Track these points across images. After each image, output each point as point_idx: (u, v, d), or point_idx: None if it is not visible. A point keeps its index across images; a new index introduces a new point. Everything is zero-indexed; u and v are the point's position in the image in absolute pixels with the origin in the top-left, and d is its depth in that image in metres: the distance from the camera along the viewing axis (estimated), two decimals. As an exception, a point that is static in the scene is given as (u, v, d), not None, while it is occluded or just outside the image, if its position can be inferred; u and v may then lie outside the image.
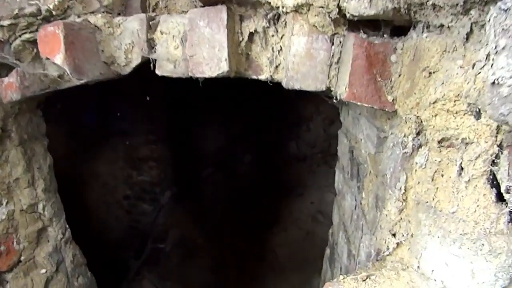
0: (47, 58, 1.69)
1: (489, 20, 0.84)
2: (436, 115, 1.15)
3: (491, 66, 0.81)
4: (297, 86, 1.58)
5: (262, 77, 1.72)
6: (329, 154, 7.74)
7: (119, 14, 1.86)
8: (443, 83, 1.11)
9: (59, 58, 1.63)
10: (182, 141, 8.69)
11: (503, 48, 0.76)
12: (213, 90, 8.40)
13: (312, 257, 6.00)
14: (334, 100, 1.59)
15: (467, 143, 1.04)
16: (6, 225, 2.24)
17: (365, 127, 1.79)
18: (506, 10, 0.76)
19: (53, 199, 2.56)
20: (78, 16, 1.77)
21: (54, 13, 1.72)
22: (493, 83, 0.79)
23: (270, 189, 7.35)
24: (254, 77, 1.75)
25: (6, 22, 1.76)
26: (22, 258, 2.35)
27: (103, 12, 1.80)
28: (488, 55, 0.85)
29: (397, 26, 1.39)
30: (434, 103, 1.14)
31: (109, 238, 6.08)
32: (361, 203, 1.84)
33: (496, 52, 0.79)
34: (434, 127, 1.16)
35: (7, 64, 1.92)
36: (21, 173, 2.30)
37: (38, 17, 1.75)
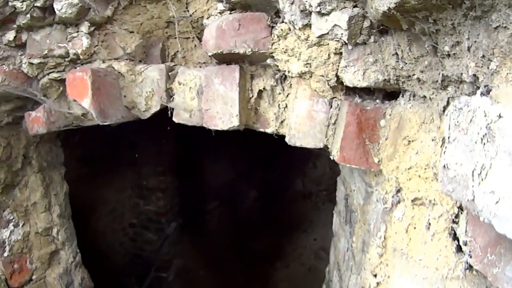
0: (75, 100, 1.86)
1: (446, 114, 1.00)
2: (410, 178, 1.33)
3: (444, 152, 0.98)
4: (298, 144, 1.78)
5: (269, 130, 1.90)
6: (334, 191, 7.80)
7: (140, 62, 2.03)
8: (417, 153, 1.29)
9: (86, 102, 1.80)
10: (189, 174, 8.79)
11: (454, 139, 0.93)
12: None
13: None
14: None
15: (433, 204, 1.20)
16: (21, 245, 2.40)
17: (357, 180, 1.93)
18: (459, 109, 0.91)
19: (67, 224, 2.72)
20: (103, 62, 1.94)
21: (81, 57, 1.89)
22: (444, 166, 0.96)
23: (274, 225, 7.38)
24: (262, 130, 1.93)
25: (35, 61, 1.93)
26: (33, 277, 2.49)
27: (126, 60, 1.96)
28: (443, 143, 1.02)
29: (389, 92, 1.56)
30: (409, 168, 1.32)
31: (113, 264, 6.10)
32: (351, 246, 1.98)
33: (449, 142, 0.95)
34: (408, 188, 1.33)
35: (32, 99, 2.08)
36: (39, 198, 2.46)
37: (66, 59, 1.92)
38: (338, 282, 2.36)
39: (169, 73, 1.93)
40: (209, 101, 1.82)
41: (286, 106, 1.81)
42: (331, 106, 1.65)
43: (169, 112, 2.02)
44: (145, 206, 6.33)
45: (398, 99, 1.50)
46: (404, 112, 1.40)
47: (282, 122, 1.85)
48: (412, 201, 1.30)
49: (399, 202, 1.38)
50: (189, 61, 2.03)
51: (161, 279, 6.53)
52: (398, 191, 1.38)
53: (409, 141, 1.34)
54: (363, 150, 1.55)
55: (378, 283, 1.50)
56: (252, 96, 1.85)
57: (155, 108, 2.01)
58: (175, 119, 2.01)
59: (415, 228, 1.30)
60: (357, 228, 1.91)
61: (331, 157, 1.68)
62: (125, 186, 6.26)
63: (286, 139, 1.82)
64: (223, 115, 1.81)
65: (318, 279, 6.09)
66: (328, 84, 1.57)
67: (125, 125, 5.30)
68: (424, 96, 1.30)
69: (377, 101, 1.58)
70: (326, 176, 8.11)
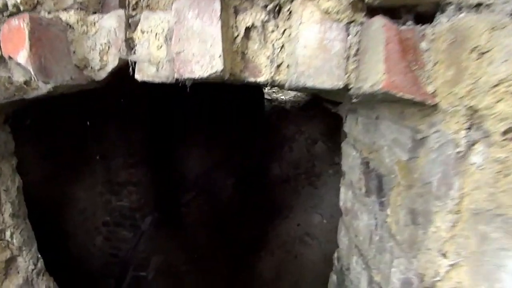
0: (10, 58, 1.47)
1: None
2: (499, 100, 0.94)
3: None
4: (309, 83, 1.37)
5: (261, 79, 1.52)
6: (314, 174, 7.59)
7: (94, 13, 1.64)
8: (506, 61, 0.91)
9: (22, 56, 1.40)
10: (162, 165, 8.49)
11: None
12: (194, 113, 8.35)
13: (302, 280, 5.80)
14: (338, 108, 1.39)
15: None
16: (-32, 255, 2.00)
17: (389, 131, 1.55)
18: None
19: (23, 225, 2.28)
20: (49, 13, 1.55)
21: (22, 8, 1.50)
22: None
23: (255, 213, 7.14)
24: (252, 79, 1.53)
25: (-35, 18, 1.55)
26: (-13, 292, 2.09)
27: (77, 9, 1.58)
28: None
29: (419, 14, 1.21)
30: (495, 86, 0.94)
31: (88, 267, 5.81)
32: (385, 222, 1.60)
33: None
34: (496, 115, 0.95)
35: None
36: (-18, 195, 2.06)
37: (4, 13, 1.54)
38: (364, 270, 1.93)
39: (130, 21, 1.55)
40: (182, 41, 1.41)
41: (283, 47, 1.43)
42: (349, 33, 1.29)
43: (130, 69, 1.61)
44: (118, 202, 5.99)
45: (435, 18, 1.16)
46: (460, 23, 1.03)
47: (278, 66, 1.47)
48: (503, 133, 0.93)
49: (476, 141, 1.01)
50: (155, 10, 1.64)
51: (140, 279, 6.20)
52: (473, 125, 1.01)
53: (481, 52, 0.96)
54: (412, 76, 1.15)
55: (452, 266, 1.13)
56: (238, 35, 1.45)
57: (112, 64, 1.59)
58: (138, 76, 1.58)
59: (507, 176, 0.95)
60: (394, 196, 1.51)
61: (364, 91, 1.27)
62: (95, 182, 5.91)
63: (288, 84, 1.45)
64: (201, 58, 1.40)
65: (306, 266, 5.88)
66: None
67: (90, 114, 5.00)
68: (479, 4, 0.97)
69: (408, 22, 1.22)
70: (303, 159, 7.91)
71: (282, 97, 10.90)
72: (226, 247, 6.60)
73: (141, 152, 5.99)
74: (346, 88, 1.36)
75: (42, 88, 1.57)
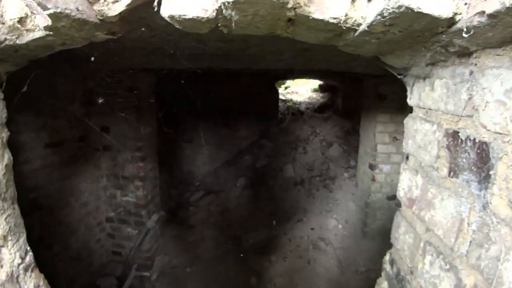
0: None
1: None
2: None
3: None
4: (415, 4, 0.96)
5: (331, 14, 1.12)
6: (328, 177, 7.26)
7: None
8: None
9: None
10: (171, 161, 8.18)
11: None
12: (207, 108, 8.05)
13: (315, 286, 5.44)
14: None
15: None
16: None
17: (498, 82, 1.14)
18: None
19: (10, 210, 1.91)
20: None
21: None
22: None
23: (266, 215, 6.82)
24: (319, 16, 1.13)
25: None
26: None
27: None
28: None
29: None
30: None
31: (89, 264, 5.47)
32: (489, 204, 1.19)
33: None
34: None
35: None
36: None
37: None
38: (446, 271, 1.46)
39: None
40: None
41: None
42: None
43: (155, 2, 1.20)
44: (123, 197, 5.66)
45: None
46: None
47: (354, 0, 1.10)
48: None
49: None
50: None
51: (143, 279, 5.85)
52: None
53: None
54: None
55: None
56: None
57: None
58: (164, 9, 1.17)
59: None
60: (504, 168, 1.12)
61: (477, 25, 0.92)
62: (99, 175, 5.59)
63: (371, 18, 1.08)
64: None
65: (319, 272, 5.50)
66: None
67: (95, 105, 4.66)
68: None
69: None
70: (318, 162, 7.59)
71: (297, 98, 10.65)
72: (235, 250, 6.27)
73: (149, 145, 5.67)
74: (451, 20, 0.98)
75: (40, 25, 1.22)
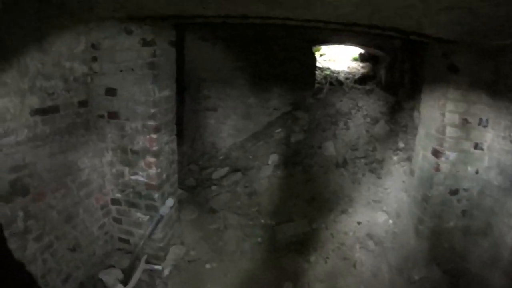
0: None
1: None
2: None
3: None
4: None
5: None
6: (375, 160, 6.22)
7: None
8: None
9: None
10: (192, 131, 7.37)
11: None
12: (234, 72, 7.12)
13: None
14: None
15: None
16: None
17: None
18: None
19: None
20: None
21: None
22: None
23: (302, 202, 5.85)
24: None
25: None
26: None
27: None
28: None
29: None
30: None
31: (90, 254, 4.64)
32: None
33: None
34: None
35: None
36: None
37: None
38: None
39: None
40: None
41: None
42: None
43: None
44: (132, 175, 4.75)
45: None
46: None
47: None
48: None
49: None
50: None
51: (153, 273, 4.97)
52: None
53: None
54: None
55: None
56: None
57: None
58: None
59: None
60: None
61: None
62: (104, 148, 4.70)
63: None
64: None
65: (367, 278, 4.54)
66: None
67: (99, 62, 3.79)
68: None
69: None
70: (362, 140, 6.57)
71: (334, 67, 9.66)
72: (265, 245, 5.31)
73: (166, 113, 4.75)
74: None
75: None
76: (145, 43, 4.20)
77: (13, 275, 3.43)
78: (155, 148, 4.53)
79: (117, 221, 5.05)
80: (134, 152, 4.62)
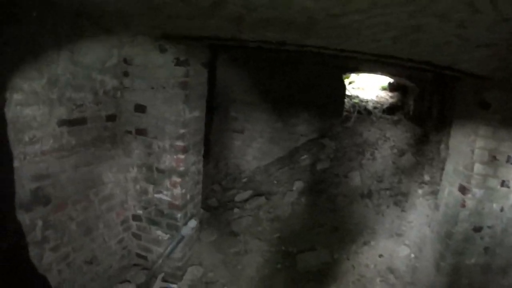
0: None
1: None
2: None
3: None
4: None
5: None
6: (400, 192, 6.10)
7: None
8: None
9: None
10: (218, 152, 7.35)
11: None
12: (262, 96, 7.10)
13: None
14: None
15: None
16: None
17: None
18: None
19: None
20: None
21: None
22: None
23: (326, 231, 5.75)
24: None
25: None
26: None
27: None
28: None
29: None
30: None
31: (106, 268, 4.60)
32: None
33: None
34: None
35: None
36: None
37: None
38: None
39: None
40: None
41: None
42: None
43: None
44: (156, 194, 4.71)
45: None
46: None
47: None
48: None
49: None
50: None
51: None
52: None
53: None
54: None
55: None
56: None
57: None
58: None
59: None
60: None
61: None
62: (129, 164, 4.68)
63: None
64: None
65: None
66: None
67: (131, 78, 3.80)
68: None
69: None
70: (388, 171, 6.45)
71: (363, 95, 9.58)
72: (286, 272, 5.19)
73: (195, 134, 4.73)
74: None
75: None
76: (178, 62, 4.17)
77: (28, 283, 3.41)
78: (181, 168, 4.50)
79: (137, 237, 5.01)
80: (160, 171, 4.58)
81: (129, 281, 4.80)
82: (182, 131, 4.39)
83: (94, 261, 4.34)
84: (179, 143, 4.41)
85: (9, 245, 3.14)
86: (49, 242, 3.60)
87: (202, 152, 5.08)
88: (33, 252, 3.40)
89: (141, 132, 4.52)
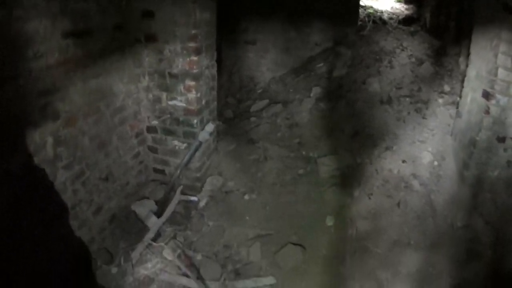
0: None
1: None
2: None
3: None
4: None
5: None
6: (420, 100, 5.94)
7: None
8: None
9: None
10: (230, 64, 7.16)
11: None
12: (274, 4, 6.88)
13: (405, 238, 4.34)
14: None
15: None
16: None
17: None
18: None
19: None
20: None
21: None
22: None
23: (347, 136, 5.65)
24: None
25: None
26: None
27: None
28: None
29: None
30: None
31: (122, 185, 4.53)
32: None
33: None
34: None
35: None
36: None
37: None
38: None
39: None
40: None
41: None
42: None
43: None
44: (170, 101, 4.60)
45: None
46: None
47: None
48: None
49: None
50: None
51: (189, 205, 4.88)
52: None
53: None
54: None
55: None
56: None
57: None
58: None
59: None
60: None
61: None
62: (140, 73, 4.55)
63: None
64: None
65: (409, 220, 4.52)
66: None
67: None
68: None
69: None
70: (407, 79, 6.31)
71: (377, 6, 9.32)
72: (307, 177, 5.15)
73: (207, 36, 4.57)
74: None
75: None
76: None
77: (43, 204, 3.32)
78: (195, 71, 4.35)
79: (153, 150, 4.95)
80: (173, 76, 4.44)
81: (147, 198, 4.77)
82: (193, 31, 4.22)
83: (110, 177, 4.27)
84: (192, 44, 4.25)
85: (21, 165, 3.04)
86: (62, 160, 3.52)
87: (215, 56, 4.92)
88: (46, 171, 3.31)
89: (150, 38, 4.37)
